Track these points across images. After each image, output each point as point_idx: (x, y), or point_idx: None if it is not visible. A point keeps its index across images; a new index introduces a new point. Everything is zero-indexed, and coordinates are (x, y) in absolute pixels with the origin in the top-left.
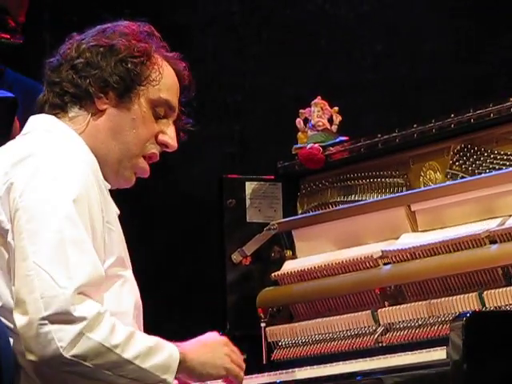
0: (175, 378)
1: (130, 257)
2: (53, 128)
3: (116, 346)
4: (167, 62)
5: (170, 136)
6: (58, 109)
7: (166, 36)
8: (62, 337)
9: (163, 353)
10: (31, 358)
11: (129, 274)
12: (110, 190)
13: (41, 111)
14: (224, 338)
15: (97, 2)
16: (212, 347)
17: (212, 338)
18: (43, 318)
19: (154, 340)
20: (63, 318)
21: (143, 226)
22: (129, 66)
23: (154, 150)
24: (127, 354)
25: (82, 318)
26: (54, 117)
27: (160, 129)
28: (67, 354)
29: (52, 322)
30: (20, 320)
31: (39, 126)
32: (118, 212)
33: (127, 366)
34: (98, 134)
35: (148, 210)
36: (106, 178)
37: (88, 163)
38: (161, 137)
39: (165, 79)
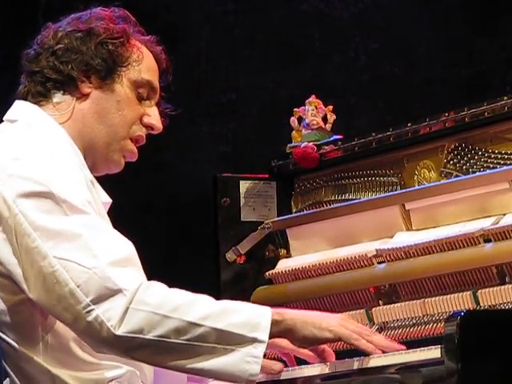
0: (269, 338)
1: None
2: (34, 121)
3: (173, 311)
4: (144, 46)
5: (154, 118)
6: (40, 97)
7: (161, 36)
8: (109, 316)
9: (246, 311)
10: (99, 350)
11: None
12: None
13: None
14: (344, 315)
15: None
16: (324, 314)
17: (329, 313)
18: (88, 305)
19: (234, 302)
20: (106, 295)
21: (137, 224)
22: (109, 47)
23: (140, 132)
24: (190, 317)
25: (124, 290)
26: (36, 106)
27: (144, 111)
28: (120, 332)
29: (97, 305)
30: (67, 317)
31: (21, 116)
32: (110, 201)
33: (195, 329)
34: (83, 119)
35: (142, 209)
36: (95, 165)
37: (70, 154)
38: (146, 119)
39: (145, 60)
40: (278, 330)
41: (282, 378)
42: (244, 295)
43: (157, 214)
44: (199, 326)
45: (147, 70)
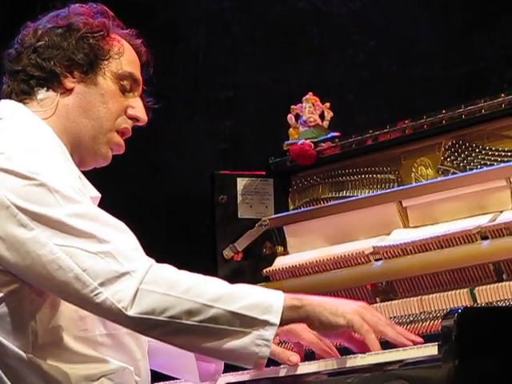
0: (285, 323)
1: None
2: (18, 117)
3: (185, 292)
4: (124, 39)
5: (139, 110)
6: (24, 95)
7: (159, 33)
8: (120, 298)
9: (258, 294)
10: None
11: None
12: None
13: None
14: (365, 304)
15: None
16: (343, 301)
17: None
18: (95, 288)
19: (246, 285)
20: (114, 277)
21: (134, 222)
22: (90, 41)
23: (126, 124)
24: (202, 298)
25: (132, 271)
26: (21, 104)
27: (128, 103)
28: (132, 313)
29: (106, 288)
30: (73, 301)
31: (5, 114)
32: (99, 195)
33: (207, 310)
34: (68, 114)
35: (140, 207)
36: (82, 159)
37: (56, 148)
38: (130, 111)
39: (126, 53)
40: (297, 315)
41: (280, 374)
42: None
43: (154, 211)
44: (211, 307)
45: (128, 63)
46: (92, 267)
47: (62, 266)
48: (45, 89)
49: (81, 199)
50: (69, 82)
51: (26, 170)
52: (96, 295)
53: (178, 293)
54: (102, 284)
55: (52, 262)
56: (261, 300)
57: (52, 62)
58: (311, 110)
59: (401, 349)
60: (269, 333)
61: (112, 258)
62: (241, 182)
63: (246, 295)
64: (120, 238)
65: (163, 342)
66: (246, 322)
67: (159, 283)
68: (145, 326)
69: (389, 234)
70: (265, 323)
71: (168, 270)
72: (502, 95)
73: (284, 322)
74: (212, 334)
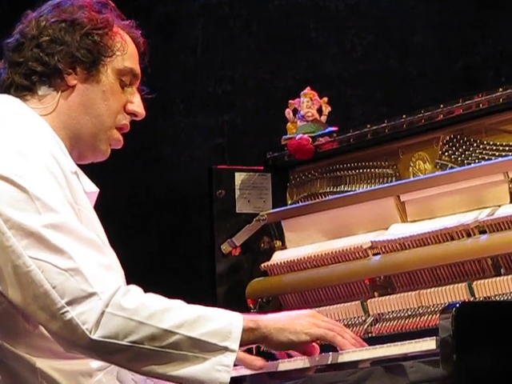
0: (243, 345)
1: (120, 248)
2: (15, 115)
3: (149, 318)
4: (124, 31)
5: (137, 105)
6: (25, 90)
7: (156, 27)
8: (85, 319)
9: (219, 319)
10: (72, 350)
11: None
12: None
13: (6, 93)
14: (311, 310)
15: None
16: (294, 315)
17: (298, 311)
18: (63, 307)
19: (208, 308)
20: (81, 297)
21: (133, 217)
22: (95, 38)
23: (125, 120)
24: (165, 324)
25: (100, 293)
26: (19, 100)
27: (127, 98)
28: (95, 336)
29: (73, 307)
30: (41, 316)
31: (2, 110)
32: (97, 190)
33: (170, 336)
34: (69, 110)
35: (137, 202)
36: (81, 154)
37: (48, 148)
38: (129, 106)
39: (127, 48)
40: (254, 337)
41: (278, 369)
42: (239, 287)
43: (152, 206)
44: (173, 333)
45: (129, 57)
46: (61, 284)
47: (34, 280)
48: (47, 85)
49: (61, 209)
50: (71, 79)
51: (11, 174)
52: (63, 313)
53: (141, 318)
54: (68, 303)
55: (26, 274)
56: (221, 326)
57: (56, 58)
58: (309, 105)
59: (399, 343)
60: (228, 359)
61: (81, 276)
62: (239, 177)
63: (207, 321)
64: (92, 255)
65: (123, 367)
66: (207, 348)
67: (124, 307)
68: (106, 350)
69: (387, 229)
70: (224, 349)
71: (134, 293)
72: (500, 89)
73: (242, 345)
74: (174, 360)
